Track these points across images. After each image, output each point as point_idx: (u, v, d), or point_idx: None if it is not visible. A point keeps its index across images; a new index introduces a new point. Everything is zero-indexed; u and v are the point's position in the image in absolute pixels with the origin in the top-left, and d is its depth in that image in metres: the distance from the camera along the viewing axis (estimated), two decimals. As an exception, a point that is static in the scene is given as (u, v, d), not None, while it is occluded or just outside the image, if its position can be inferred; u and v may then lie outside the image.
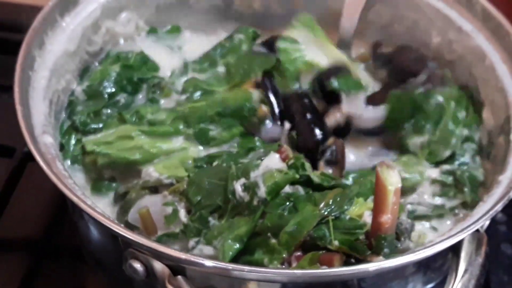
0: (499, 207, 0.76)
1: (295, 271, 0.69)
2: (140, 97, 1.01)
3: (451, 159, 0.94)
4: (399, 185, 0.72)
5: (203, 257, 0.72)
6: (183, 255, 0.70)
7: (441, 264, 0.81)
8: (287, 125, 0.95)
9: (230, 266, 0.70)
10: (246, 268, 0.69)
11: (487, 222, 0.82)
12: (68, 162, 0.93)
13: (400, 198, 0.73)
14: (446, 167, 0.93)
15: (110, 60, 1.02)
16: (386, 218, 0.73)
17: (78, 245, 0.95)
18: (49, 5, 0.95)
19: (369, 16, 1.10)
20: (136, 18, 1.08)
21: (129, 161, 0.90)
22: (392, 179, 0.72)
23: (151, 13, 1.09)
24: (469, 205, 0.91)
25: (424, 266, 0.80)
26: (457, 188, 0.91)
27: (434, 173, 0.92)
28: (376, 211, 0.74)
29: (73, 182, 0.79)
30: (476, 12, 0.99)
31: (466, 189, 0.91)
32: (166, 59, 1.07)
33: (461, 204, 0.91)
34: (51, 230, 1.02)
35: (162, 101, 0.99)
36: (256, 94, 0.96)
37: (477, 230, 0.77)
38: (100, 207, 0.80)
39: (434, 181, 0.92)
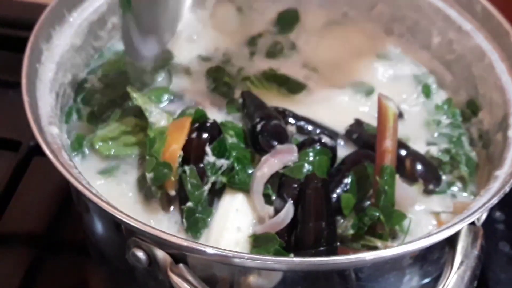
0: (495, 200, 0.77)
1: (294, 259, 0.71)
2: (160, 79, 1.04)
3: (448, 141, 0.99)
4: (397, 111, 0.86)
5: (204, 244, 0.74)
6: (184, 242, 0.72)
7: (438, 257, 0.82)
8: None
9: (231, 253, 0.71)
10: (246, 255, 0.71)
11: (484, 216, 0.83)
12: (87, 150, 0.94)
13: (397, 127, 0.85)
14: (443, 145, 0.97)
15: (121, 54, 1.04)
16: (388, 144, 0.84)
17: (82, 239, 0.96)
18: (57, 0, 0.96)
19: (371, 15, 1.12)
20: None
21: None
22: (391, 105, 0.85)
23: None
24: (466, 181, 0.94)
25: (421, 258, 0.81)
26: (453, 166, 0.94)
27: (432, 150, 0.96)
28: (379, 138, 0.85)
29: (78, 172, 0.80)
30: (476, 12, 1.01)
31: (461, 165, 0.94)
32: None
33: (459, 180, 0.94)
34: (55, 224, 1.03)
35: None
36: None
37: (474, 223, 0.79)
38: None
39: (431, 158, 0.95)
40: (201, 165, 0.86)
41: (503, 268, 1.01)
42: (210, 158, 0.87)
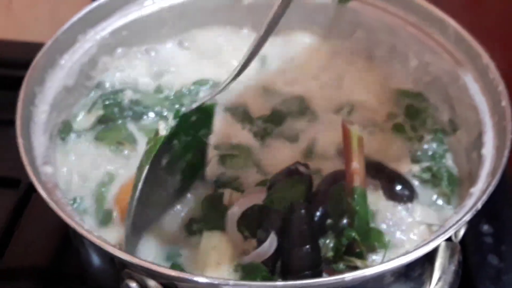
0: (467, 217, 0.80)
1: (277, 283, 0.74)
2: None
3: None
4: (361, 134, 0.88)
5: (193, 274, 0.77)
6: (173, 273, 0.75)
7: (420, 273, 0.85)
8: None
9: (219, 280, 0.75)
10: (231, 282, 0.75)
11: (461, 232, 0.86)
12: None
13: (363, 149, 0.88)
14: (425, 163, 1.00)
15: None
16: (356, 166, 0.87)
17: (81, 271, 0.99)
18: (48, 45, 1.00)
19: (351, 43, 1.16)
20: (131, 51, 1.13)
21: None
22: (355, 129, 0.88)
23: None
24: (449, 197, 0.97)
25: (404, 275, 0.84)
26: (434, 184, 0.98)
27: (414, 168, 0.99)
28: (347, 161, 0.88)
29: (71, 209, 0.84)
30: (449, 35, 1.04)
31: (443, 182, 0.98)
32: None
33: (442, 196, 0.98)
34: (57, 258, 1.06)
35: None
36: None
37: (451, 240, 0.82)
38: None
39: (413, 177, 0.99)
40: None
41: (492, 281, 1.03)
42: None
